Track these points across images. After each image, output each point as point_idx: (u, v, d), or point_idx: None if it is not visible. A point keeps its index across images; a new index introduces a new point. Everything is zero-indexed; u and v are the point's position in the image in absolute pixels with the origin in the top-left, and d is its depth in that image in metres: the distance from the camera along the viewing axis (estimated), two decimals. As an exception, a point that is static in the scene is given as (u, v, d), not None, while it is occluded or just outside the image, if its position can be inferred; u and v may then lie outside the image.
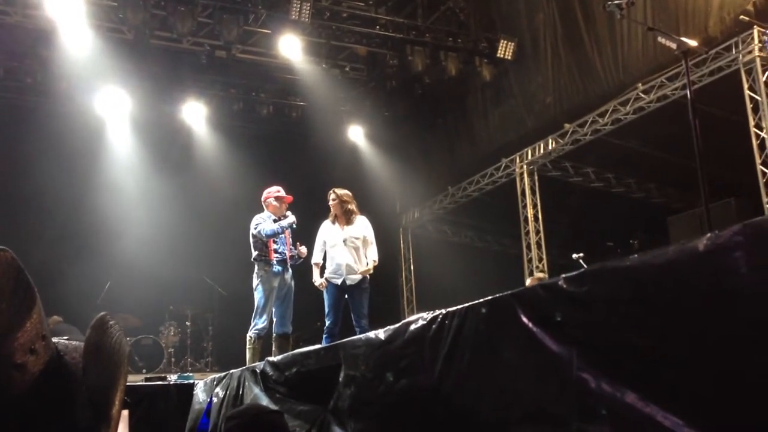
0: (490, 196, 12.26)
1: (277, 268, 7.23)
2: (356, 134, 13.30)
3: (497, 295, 2.90)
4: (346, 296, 7.15)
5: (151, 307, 11.14)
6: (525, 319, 2.64)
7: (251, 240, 7.31)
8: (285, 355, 5.53)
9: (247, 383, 5.55)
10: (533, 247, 10.92)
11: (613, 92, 9.55)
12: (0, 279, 1.21)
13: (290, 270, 7.42)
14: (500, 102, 11.62)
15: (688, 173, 5.72)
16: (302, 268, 7.62)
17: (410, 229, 14.08)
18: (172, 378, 7.55)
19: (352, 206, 7.25)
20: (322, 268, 7.24)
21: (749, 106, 7.94)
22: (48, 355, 1.25)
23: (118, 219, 11.15)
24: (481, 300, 2.99)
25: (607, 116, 9.70)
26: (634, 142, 10.32)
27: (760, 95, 7.82)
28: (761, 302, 1.78)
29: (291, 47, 10.66)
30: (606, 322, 2.30)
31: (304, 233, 7.52)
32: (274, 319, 7.34)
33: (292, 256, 7.40)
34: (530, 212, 11.08)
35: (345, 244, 7.12)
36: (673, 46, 5.32)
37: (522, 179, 11.24)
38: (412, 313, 12.55)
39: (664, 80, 8.80)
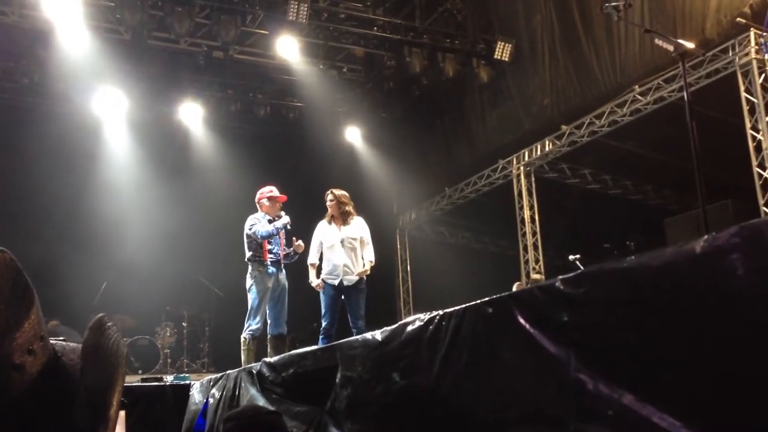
0: (488, 197, 12.26)
1: (271, 268, 7.23)
2: (353, 135, 13.30)
3: (495, 297, 2.91)
4: (343, 297, 7.15)
5: (147, 307, 11.11)
6: (522, 321, 2.65)
7: (245, 240, 7.31)
8: (281, 356, 5.52)
9: (243, 384, 5.55)
10: (530, 248, 10.93)
11: (610, 94, 9.56)
12: None
13: (284, 270, 7.42)
14: (497, 103, 11.63)
15: (684, 175, 5.73)
16: (298, 269, 7.62)
17: (407, 231, 14.08)
18: (169, 379, 7.53)
19: (350, 207, 7.26)
20: (318, 269, 7.24)
21: (746, 108, 7.95)
22: (46, 356, 1.25)
23: (115, 220, 11.13)
24: (479, 301, 2.99)
25: (604, 118, 9.71)
26: (631, 143, 10.34)
27: (757, 97, 7.83)
28: (758, 304, 1.78)
29: (288, 48, 10.65)
30: (603, 323, 2.31)
31: (301, 234, 7.51)
32: (269, 320, 7.33)
33: (287, 255, 7.40)
34: (527, 214, 11.08)
35: (342, 245, 7.12)
36: (670, 48, 5.33)
37: (519, 181, 11.25)
38: (409, 314, 12.54)
39: (661, 82, 8.81)
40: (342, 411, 4.01)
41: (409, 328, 3.47)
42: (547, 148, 10.75)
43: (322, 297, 7.19)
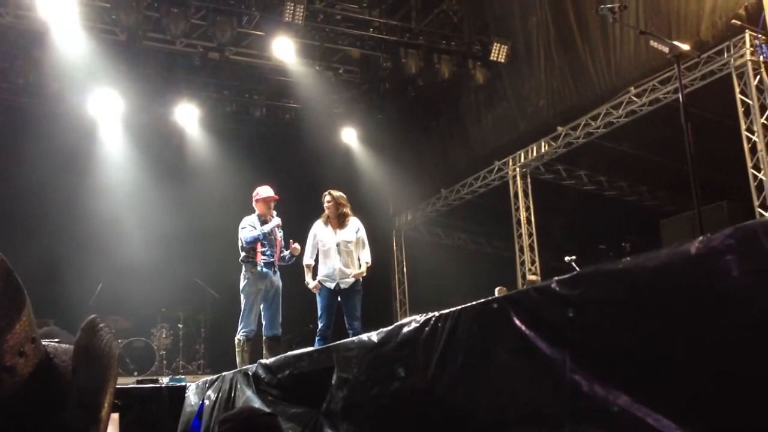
0: (483, 198, 12.28)
1: (263, 270, 7.22)
2: (349, 136, 13.30)
3: (490, 298, 2.91)
4: (339, 299, 7.14)
5: (143, 309, 11.09)
6: (518, 322, 2.65)
7: (239, 242, 7.32)
8: (277, 357, 5.51)
9: (239, 386, 5.54)
10: (526, 249, 10.94)
11: (606, 95, 9.58)
12: None
13: (278, 272, 7.40)
14: (493, 105, 11.64)
15: (680, 176, 5.75)
16: (295, 271, 7.61)
17: (403, 232, 14.08)
18: (164, 380, 7.52)
19: (347, 209, 7.24)
20: (314, 270, 7.23)
21: (741, 109, 7.98)
22: (37, 358, 1.24)
23: (111, 221, 11.11)
24: (475, 302, 2.99)
25: (599, 119, 9.73)
26: (626, 145, 10.36)
27: (752, 99, 7.86)
28: (753, 305, 1.78)
29: (284, 49, 10.65)
30: (599, 324, 2.31)
31: (297, 235, 7.51)
32: (263, 322, 7.33)
33: (283, 257, 7.38)
34: (523, 215, 11.09)
35: (338, 248, 7.10)
36: (666, 49, 5.35)
37: (515, 182, 11.26)
38: (405, 315, 12.54)
39: (656, 84, 8.83)
40: (338, 412, 4.00)
41: (405, 329, 3.47)
42: (542, 150, 10.76)
43: (318, 299, 7.18)
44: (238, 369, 6.01)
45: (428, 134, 13.24)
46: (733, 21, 7.89)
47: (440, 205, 13.07)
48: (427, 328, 3.26)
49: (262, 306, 7.29)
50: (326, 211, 7.23)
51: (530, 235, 11.03)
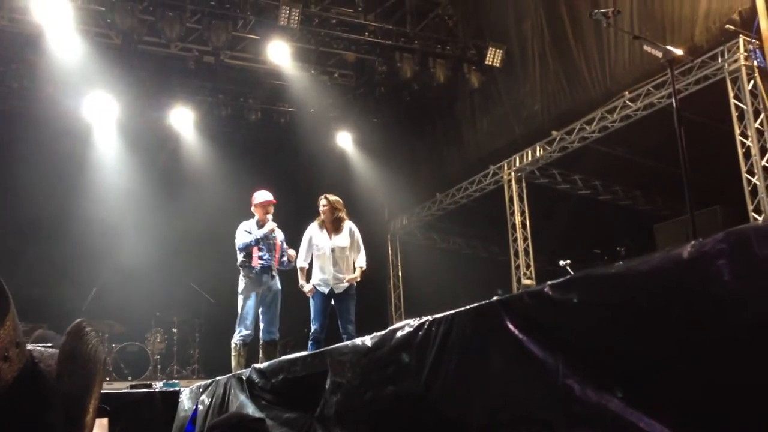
0: (478, 203, 12.28)
1: (260, 274, 7.21)
2: (345, 140, 13.30)
3: (484, 302, 2.91)
4: (333, 303, 7.13)
5: (137, 313, 11.06)
6: (511, 326, 2.65)
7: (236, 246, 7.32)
8: (271, 361, 5.50)
9: (233, 390, 5.52)
10: (521, 253, 10.95)
11: (600, 100, 9.60)
12: None
13: (276, 276, 7.39)
14: (488, 109, 11.66)
15: (674, 181, 5.75)
16: (289, 274, 7.61)
17: (398, 236, 14.08)
18: (158, 385, 7.50)
19: (342, 214, 7.21)
20: (308, 273, 7.21)
21: (735, 114, 8.00)
22: (22, 363, 1.24)
23: (106, 225, 11.08)
24: (468, 307, 2.99)
25: (594, 124, 9.75)
26: (621, 149, 10.38)
27: (746, 104, 7.88)
28: (744, 309, 1.78)
29: (279, 53, 10.65)
30: (592, 329, 2.31)
31: (292, 240, 7.50)
32: (261, 326, 7.31)
33: (282, 262, 7.37)
34: (518, 219, 11.10)
35: (333, 253, 7.08)
36: (659, 54, 5.36)
37: (510, 186, 11.27)
38: (400, 319, 12.53)
39: (650, 88, 8.85)
40: (331, 417, 3.99)
41: (399, 333, 3.46)
42: (537, 154, 10.77)
43: (311, 302, 7.17)
44: (232, 374, 6.00)
45: (423, 138, 13.25)
46: (727, 26, 7.92)
47: (435, 209, 13.07)
48: (420, 333, 3.26)
49: (260, 310, 7.28)
50: (321, 215, 7.21)
51: (525, 239, 11.03)
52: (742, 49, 7.88)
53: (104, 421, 5.33)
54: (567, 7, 9.95)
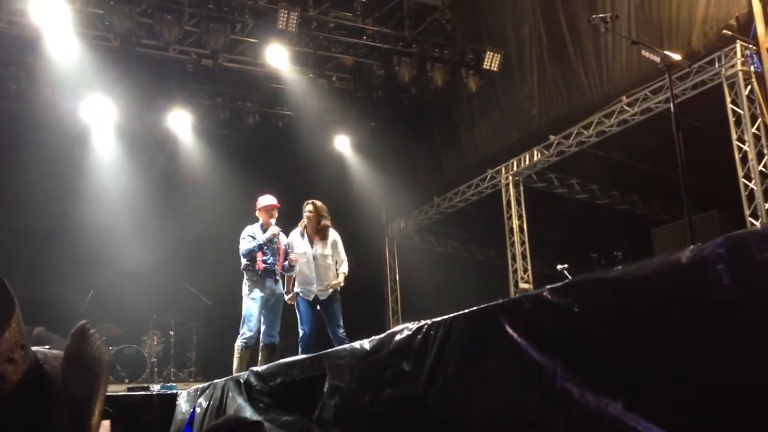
0: (476, 206, 12.29)
1: (264, 277, 7.21)
2: (342, 144, 13.30)
3: (482, 306, 2.91)
4: (319, 308, 7.14)
5: (134, 316, 11.05)
6: (510, 330, 2.65)
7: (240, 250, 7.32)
8: (269, 365, 5.50)
9: (230, 393, 5.52)
10: (518, 257, 10.95)
11: (598, 104, 9.62)
12: None
13: (280, 280, 7.39)
14: (486, 113, 11.67)
15: (671, 185, 5.77)
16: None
17: (396, 239, 14.08)
18: (155, 388, 7.49)
19: (327, 221, 7.18)
20: (291, 278, 7.23)
21: (732, 119, 8.02)
22: (27, 365, 1.24)
23: (103, 227, 11.06)
24: (467, 310, 2.99)
25: (591, 128, 9.76)
26: (618, 154, 10.40)
27: (743, 109, 7.90)
28: (744, 313, 1.79)
29: (278, 56, 10.66)
30: (591, 332, 2.32)
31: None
32: (262, 329, 7.32)
33: (284, 266, 7.36)
34: (515, 223, 11.11)
35: (315, 261, 7.06)
36: (657, 59, 5.38)
37: (507, 190, 11.28)
38: (397, 323, 12.53)
39: (647, 93, 8.87)
40: (330, 420, 3.99)
41: (398, 337, 3.47)
42: (535, 158, 10.79)
43: (297, 309, 7.18)
44: (230, 377, 6.00)
45: (421, 142, 13.26)
46: (724, 31, 7.95)
47: (433, 212, 13.08)
48: (419, 336, 3.26)
49: (262, 313, 7.28)
50: (304, 221, 7.13)
51: (522, 243, 11.04)
52: (739, 55, 7.90)
53: (106, 422, 5.33)
54: (565, 12, 9.98)
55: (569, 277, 7.69)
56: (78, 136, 11.44)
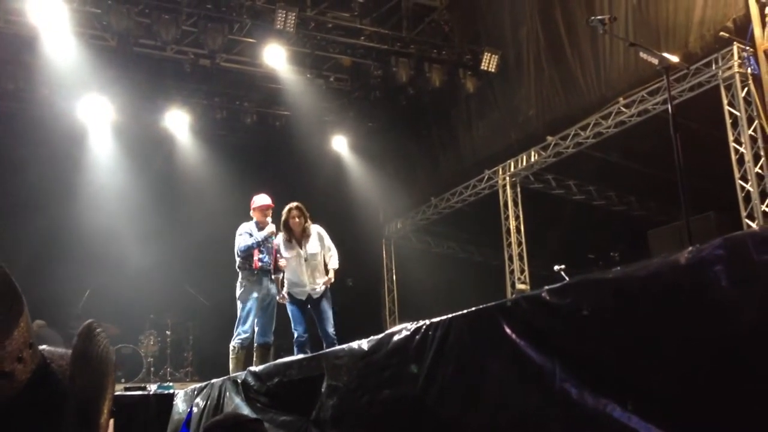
0: (473, 207, 12.30)
1: (260, 276, 7.20)
2: (340, 144, 13.31)
3: (480, 307, 2.92)
4: (310, 307, 7.14)
5: (131, 315, 11.04)
6: (508, 331, 2.66)
7: (236, 248, 7.29)
8: (267, 365, 5.51)
9: (228, 393, 5.52)
10: (515, 258, 10.97)
11: (595, 106, 9.64)
12: None
13: (274, 280, 7.38)
14: (484, 114, 11.69)
15: (668, 187, 5.78)
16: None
17: (393, 240, 14.09)
18: (152, 388, 7.49)
19: (308, 221, 7.15)
20: (280, 280, 7.22)
21: (728, 121, 8.05)
22: (35, 363, 1.25)
23: (100, 227, 11.05)
24: (465, 311, 3.00)
25: (589, 129, 9.78)
26: (615, 155, 10.42)
27: (739, 111, 7.93)
28: (742, 314, 1.80)
29: (275, 57, 10.66)
30: (588, 333, 2.32)
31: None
32: (256, 329, 7.30)
33: (277, 267, 7.36)
34: (512, 224, 11.13)
35: (306, 263, 7.04)
36: (655, 61, 5.40)
37: (505, 191, 11.30)
38: (394, 323, 12.53)
39: (645, 95, 8.90)
40: (328, 420, 3.99)
41: (396, 337, 3.47)
42: (532, 159, 10.81)
43: (289, 309, 7.16)
44: (227, 376, 6.00)
45: (418, 143, 13.27)
46: (722, 33, 7.97)
47: (430, 213, 13.08)
48: (417, 337, 3.27)
49: (257, 313, 7.27)
50: (291, 228, 7.01)
51: (520, 244, 11.06)
52: (736, 57, 7.93)
53: (113, 421, 5.33)
54: (563, 13, 10.00)
55: (566, 278, 7.71)
56: (75, 136, 11.43)
